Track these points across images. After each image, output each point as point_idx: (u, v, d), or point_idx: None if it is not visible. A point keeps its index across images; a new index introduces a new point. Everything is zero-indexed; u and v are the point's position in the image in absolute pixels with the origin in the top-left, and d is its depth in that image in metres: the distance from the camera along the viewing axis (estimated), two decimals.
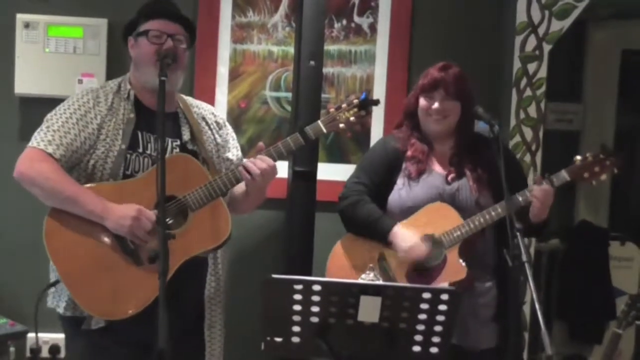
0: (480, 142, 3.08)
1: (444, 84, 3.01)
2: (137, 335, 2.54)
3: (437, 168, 3.10)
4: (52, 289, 2.78)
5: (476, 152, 3.08)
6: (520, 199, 2.94)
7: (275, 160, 2.77)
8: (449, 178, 3.07)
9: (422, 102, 3.06)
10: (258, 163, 2.72)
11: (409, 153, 3.10)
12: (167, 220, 2.64)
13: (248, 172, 2.72)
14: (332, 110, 2.84)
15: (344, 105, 2.84)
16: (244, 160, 2.79)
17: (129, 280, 2.63)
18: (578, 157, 3.00)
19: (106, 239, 2.65)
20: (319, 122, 2.82)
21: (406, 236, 2.99)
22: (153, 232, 2.60)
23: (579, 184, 3.04)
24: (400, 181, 3.10)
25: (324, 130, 2.82)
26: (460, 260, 2.97)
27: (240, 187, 2.86)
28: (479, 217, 2.96)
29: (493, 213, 2.95)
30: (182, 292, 2.74)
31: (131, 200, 2.64)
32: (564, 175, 2.99)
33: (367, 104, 2.84)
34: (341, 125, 2.82)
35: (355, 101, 2.83)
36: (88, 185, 2.70)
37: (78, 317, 2.72)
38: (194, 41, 2.92)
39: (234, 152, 3.00)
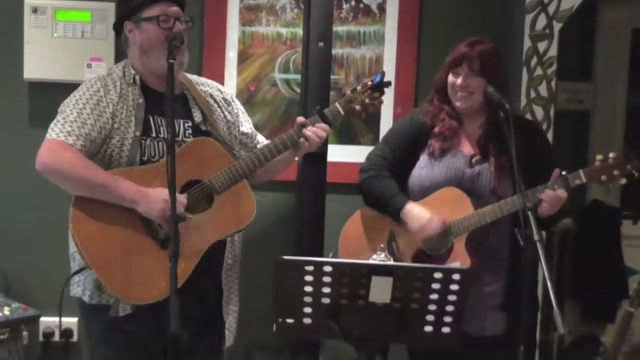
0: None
1: (468, 59, 2.98)
2: (159, 321, 2.55)
3: (465, 147, 3.07)
4: (76, 278, 2.80)
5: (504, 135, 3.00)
6: (537, 194, 2.85)
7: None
8: (474, 160, 3.04)
9: (450, 77, 3.03)
10: (319, 132, 2.85)
11: (436, 129, 3.07)
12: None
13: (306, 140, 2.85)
14: (348, 92, 2.94)
15: (359, 88, 2.94)
16: (307, 128, 2.85)
17: (156, 264, 2.64)
18: (599, 157, 2.87)
19: (133, 224, 2.67)
20: (337, 104, 2.93)
21: (419, 214, 2.98)
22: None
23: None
24: (423, 158, 3.08)
25: (342, 112, 2.93)
26: (466, 251, 2.95)
27: None
28: (490, 209, 2.92)
29: (505, 207, 2.89)
30: (203, 280, 2.77)
31: (156, 185, 2.65)
32: (580, 176, 2.87)
33: (382, 86, 2.95)
34: (357, 107, 2.93)
35: (370, 83, 2.93)
36: (115, 170, 2.69)
37: (104, 305, 2.74)
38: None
39: (247, 125, 3.03)
